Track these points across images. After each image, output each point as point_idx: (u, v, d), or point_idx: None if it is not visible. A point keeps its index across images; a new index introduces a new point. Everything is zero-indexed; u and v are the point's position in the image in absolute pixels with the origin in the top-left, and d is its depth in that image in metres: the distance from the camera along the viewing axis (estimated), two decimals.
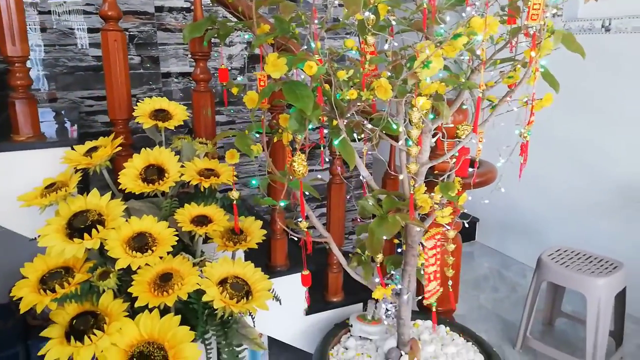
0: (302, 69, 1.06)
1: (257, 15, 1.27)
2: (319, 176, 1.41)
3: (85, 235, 1.11)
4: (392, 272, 1.40)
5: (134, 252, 1.11)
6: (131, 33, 2.24)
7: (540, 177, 2.77)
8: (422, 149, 1.33)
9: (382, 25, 1.20)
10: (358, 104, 1.10)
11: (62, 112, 2.05)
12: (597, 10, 2.47)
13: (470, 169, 1.56)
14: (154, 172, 1.28)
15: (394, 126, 1.12)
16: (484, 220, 3.24)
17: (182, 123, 1.36)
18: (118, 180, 1.27)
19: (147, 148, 1.32)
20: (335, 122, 1.18)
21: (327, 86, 1.11)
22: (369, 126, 1.24)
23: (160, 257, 1.13)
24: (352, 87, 1.04)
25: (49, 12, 2.11)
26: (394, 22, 1.22)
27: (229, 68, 2.52)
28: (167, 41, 2.28)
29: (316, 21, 1.11)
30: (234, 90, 1.22)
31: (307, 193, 1.18)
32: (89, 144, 1.35)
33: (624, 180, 2.39)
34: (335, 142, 1.07)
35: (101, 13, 1.36)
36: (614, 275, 1.85)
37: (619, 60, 2.35)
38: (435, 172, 1.52)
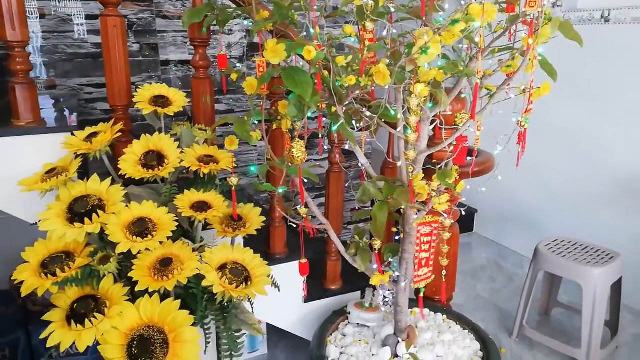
0: (300, 55, 1.07)
1: (256, 2, 1.27)
2: (317, 163, 1.43)
3: (86, 219, 1.12)
4: (390, 259, 1.41)
5: (134, 237, 1.12)
6: (130, 20, 2.23)
7: (539, 168, 2.78)
8: (420, 136, 1.34)
9: (381, 12, 1.20)
10: (357, 91, 1.10)
11: (61, 99, 2.05)
12: (597, 1, 2.47)
13: (469, 158, 1.57)
14: (153, 158, 1.29)
15: (393, 112, 1.13)
16: (482, 211, 3.25)
17: (182, 109, 1.37)
18: (118, 166, 1.27)
19: (146, 134, 1.32)
20: (334, 109, 1.19)
21: (326, 73, 1.11)
22: (368, 113, 1.25)
23: (160, 242, 1.14)
24: (350, 73, 1.05)
25: None
26: (392, 10, 1.22)
27: (228, 56, 2.51)
28: (166, 29, 2.28)
29: (315, 7, 1.11)
30: (233, 76, 1.22)
31: (306, 181, 1.18)
32: (89, 130, 1.35)
33: (622, 172, 2.40)
34: (334, 128, 1.08)
35: None
36: (610, 265, 1.87)
37: (618, 51, 2.35)
38: (434, 160, 1.53)
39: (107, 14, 1.36)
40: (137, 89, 1.37)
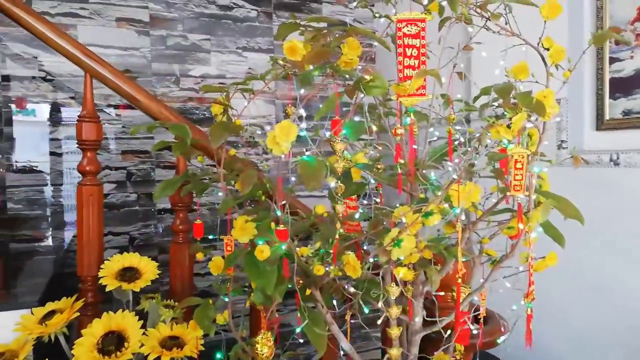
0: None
1: (224, 182, 1.21)
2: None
3: None
4: None
5: None
6: (130, 171, 2.25)
7: (562, 312, 2.52)
8: (413, 314, 1.19)
9: (361, 183, 1.13)
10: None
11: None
12: (605, 143, 2.41)
13: (475, 330, 1.39)
14: (112, 341, 1.16)
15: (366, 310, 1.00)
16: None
17: (150, 284, 1.26)
18: (72, 352, 1.14)
19: (110, 312, 1.21)
20: (308, 291, 1.06)
21: (301, 251, 1.01)
22: (352, 290, 1.12)
23: None
24: (319, 262, 0.94)
25: None
26: (372, 181, 1.15)
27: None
28: (164, 177, 2.29)
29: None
30: (199, 256, 1.13)
31: None
32: (50, 306, 1.25)
33: None
34: (298, 329, 0.94)
35: (79, 168, 1.34)
36: None
37: (631, 196, 2.22)
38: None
39: (84, 183, 1.33)
40: (107, 259, 1.29)
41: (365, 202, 1.23)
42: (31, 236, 2.08)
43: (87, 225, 1.33)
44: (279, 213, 0.95)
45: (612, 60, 2.30)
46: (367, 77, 0.96)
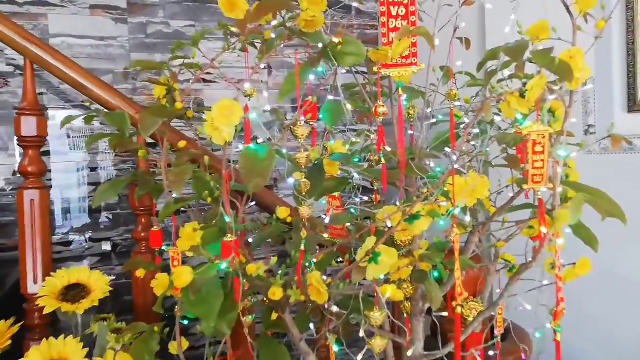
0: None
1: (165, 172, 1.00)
2: None
3: None
4: None
5: None
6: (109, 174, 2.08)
7: (601, 321, 2.24)
8: (414, 336, 0.98)
9: (341, 177, 0.92)
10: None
11: None
12: (638, 127, 2.14)
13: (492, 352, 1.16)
14: None
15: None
16: None
17: (97, 304, 1.07)
18: None
19: (50, 338, 1.02)
20: (275, 315, 0.85)
21: (248, 269, 0.79)
22: (335, 309, 0.90)
23: None
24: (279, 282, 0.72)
25: None
26: (356, 175, 0.93)
27: None
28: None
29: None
30: (139, 273, 0.92)
31: None
32: None
33: None
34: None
35: (20, 169, 1.15)
36: None
37: None
38: None
39: (25, 185, 1.15)
40: (50, 275, 1.09)
41: (358, 200, 1.02)
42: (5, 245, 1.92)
43: (30, 236, 1.15)
44: (227, 219, 0.74)
45: None
46: (337, 41, 0.74)
